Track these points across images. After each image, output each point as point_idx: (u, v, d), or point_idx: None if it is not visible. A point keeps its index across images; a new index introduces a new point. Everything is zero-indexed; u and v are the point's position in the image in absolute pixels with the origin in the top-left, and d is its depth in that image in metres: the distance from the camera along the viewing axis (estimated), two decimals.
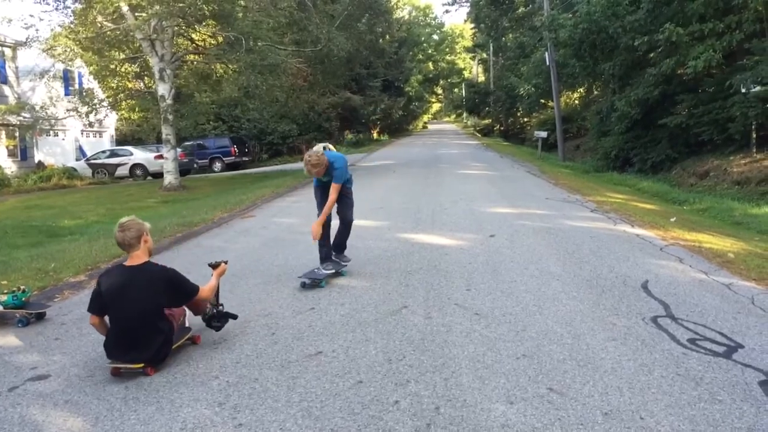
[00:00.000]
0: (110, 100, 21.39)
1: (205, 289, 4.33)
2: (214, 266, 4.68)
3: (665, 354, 3.92)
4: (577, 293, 5.35)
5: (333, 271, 6.02)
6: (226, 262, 4.78)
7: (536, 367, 3.77)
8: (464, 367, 3.83)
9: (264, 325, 4.76)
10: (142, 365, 3.81)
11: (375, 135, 50.44)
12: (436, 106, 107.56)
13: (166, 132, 18.07)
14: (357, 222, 9.88)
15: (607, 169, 20.68)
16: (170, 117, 17.91)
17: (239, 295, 5.62)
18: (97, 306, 3.99)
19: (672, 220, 9.49)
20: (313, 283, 5.78)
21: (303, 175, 20.09)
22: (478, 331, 4.47)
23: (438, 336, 4.39)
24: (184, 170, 23.21)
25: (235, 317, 4.55)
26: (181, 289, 4.13)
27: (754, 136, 15.61)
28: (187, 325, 4.42)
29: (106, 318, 4.00)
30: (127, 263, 4.05)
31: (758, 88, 14.59)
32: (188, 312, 4.47)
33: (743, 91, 15.01)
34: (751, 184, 13.96)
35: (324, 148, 22.19)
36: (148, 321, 3.88)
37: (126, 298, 3.87)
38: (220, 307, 4.57)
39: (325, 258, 6.10)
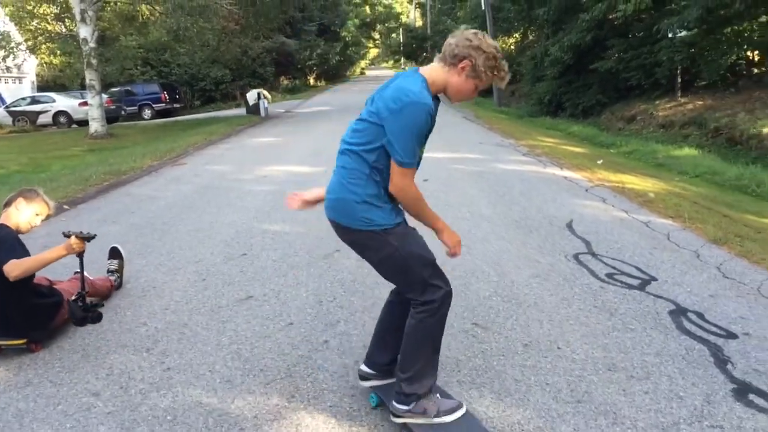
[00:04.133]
0: (29, 43, 20.19)
1: (22, 261, 3.29)
2: (68, 236, 3.52)
3: (584, 288, 4.10)
4: (506, 234, 5.50)
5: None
6: (85, 239, 3.53)
7: (463, 304, 3.89)
8: None
9: (194, 272, 4.71)
10: (24, 341, 3.37)
11: (312, 81, 49.48)
12: (373, 52, 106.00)
13: (90, 77, 17.23)
14: (292, 168, 9.88)
15: (541, 114, 21.01)
16: (94, 61, 17.06)
17: (168, 242, 5.53)
18: None
19: (599, 162, 9.79)
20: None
21: (236, 122, 19.59)
22: None
23: (369, 278, 4.44)
24: (111, 117, 22.28)
25: (95, 320, 3.57)
26: None
27: (679, 80, 16.12)
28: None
29: None
30: None
31: (684, 32, 14.99)
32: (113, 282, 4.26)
33: (670, 35, 15.39)
34: (675, 127, 14.48)
35: (258, 95, 21.44)
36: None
37: None
38: (89, 302, 3.63)
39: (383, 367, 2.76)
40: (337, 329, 3.59)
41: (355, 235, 2.45)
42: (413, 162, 2.30)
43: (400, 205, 2.45)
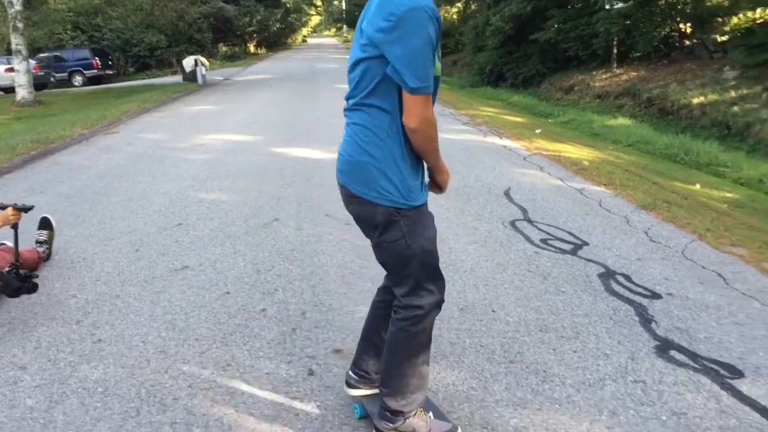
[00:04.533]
0: None
1: None
2: (3, 207, 3.56)
3: (519, 253, 4.19)
4: (445, 201, 5.54)
5: None
6: (22, 210, 3.53)
7: None
8: (332, 274, 3.90)
9: (127, 242, 4.58)
10: None
11: (252, 48, 48.33)
12: (315, 20, 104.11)
13: (17, 42, 16.37)
14: (230, 137, 9.66)
15: (482, 84, 21.16)
16: (20, 25, 16.21)
17: (100, 212, 5.35)
18: None
19: (537, 131, 9.95)
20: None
21: (172, 89, 19.00)
22: (347, 240, 4.55)
23: (308, 246, 4.43)
24: (39, 84, 21.30)
25: (31, 291, 3.36)
26: None
27: (615, 51, 16.48)
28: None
29: None
30: None
31: (620, 4, 15.33)
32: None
33: (607, 7, 15.69)
34: (610, 98, 14.83)
35: (196, 61, 20.82)
36: None
37: None
38: (22, 273, 3.42)
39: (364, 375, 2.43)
40: (275, 297, 3.56)
41: (364, 208, 2.02)
42: (430, 85, 1.81)
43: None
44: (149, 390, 2.63)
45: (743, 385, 2.58)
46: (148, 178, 6.66)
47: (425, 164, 2.06)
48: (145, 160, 7.74)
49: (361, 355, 2.41)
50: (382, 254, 2.11)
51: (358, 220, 2.10)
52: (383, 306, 2.33)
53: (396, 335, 2.12)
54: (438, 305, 2.13)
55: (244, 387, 2.64)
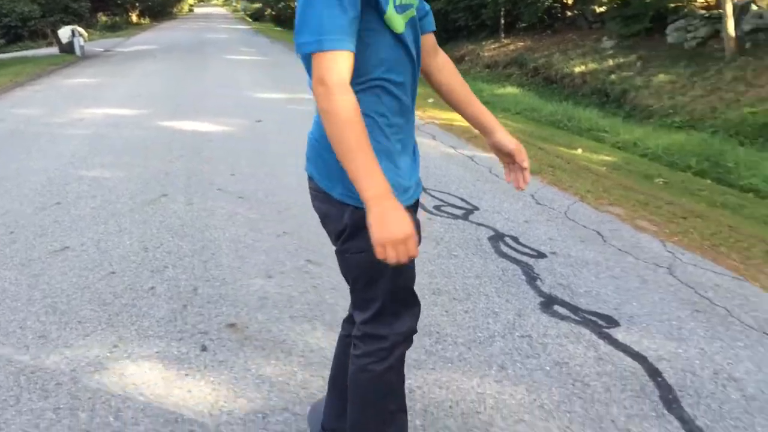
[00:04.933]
0: None
1: None
2: None
3: None
4: None
5: None
6: None
7: (296, 243, 3.88)
8: (225, 248, 3.82)
9: (1, 224, 4.27)
10: None
11: (134, 18, 45.84)
12: None
13: None
14: (112, 111, 9.17)
15: None
16: None
17: None
18: None
19: (429, 101, 10.09)
20: None
21: (48, 62, 17.74)
22: (240, 213, 4.45)
23: (199, 221, 4.30)
24: None
25: None
26: None
27: (503, 22, 16.95)
28: None
29: None
30: None
31: None
32: None
33: None
34: (499, 67, 15.28)
35: (73, 32, 19.51)
36: None
37: None
38: None
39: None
40: (164, 275, 3.44)
41: (331, 207, 1.55)
42: (330, 39, 1.31)
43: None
44: (29, 377, 2.48)
45: (618, 334, 2.77)
46: (22, 155, 6.21)
47: (417, 157, 1.65)
48: (18, 136, 7.21)
49: (329, 410, 1.95)
50: (343, 265, 1.64)
51: (324, 220, 1.64)
52: (351, 342, 1.77)
53: (357, 376, 1.66)
54: (407, 336, 1.65)
55: (133, 368, 2.54)
